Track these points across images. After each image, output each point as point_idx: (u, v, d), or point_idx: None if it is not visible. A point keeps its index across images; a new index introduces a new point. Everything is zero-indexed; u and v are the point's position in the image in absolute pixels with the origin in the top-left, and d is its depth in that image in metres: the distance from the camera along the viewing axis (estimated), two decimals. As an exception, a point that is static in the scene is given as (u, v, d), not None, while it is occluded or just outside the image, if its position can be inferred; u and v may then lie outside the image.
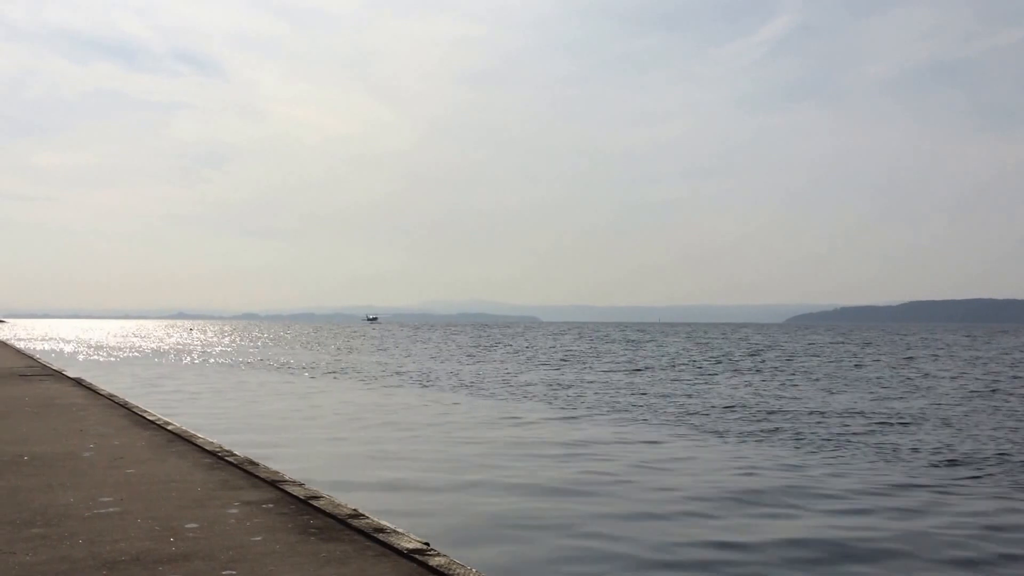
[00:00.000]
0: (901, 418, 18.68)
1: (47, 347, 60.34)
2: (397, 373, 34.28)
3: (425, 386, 27.77)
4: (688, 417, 18.93)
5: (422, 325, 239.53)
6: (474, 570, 5.05)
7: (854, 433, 16.25)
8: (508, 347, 63.58)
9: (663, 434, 16.28)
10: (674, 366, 39.56)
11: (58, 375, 22.26)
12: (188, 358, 48.41)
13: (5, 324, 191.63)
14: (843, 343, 75.12)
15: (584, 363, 42.07)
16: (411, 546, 5.51)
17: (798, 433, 16.24)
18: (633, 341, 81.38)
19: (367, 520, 6.22)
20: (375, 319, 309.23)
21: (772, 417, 18.90)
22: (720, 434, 16.29)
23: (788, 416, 19.02)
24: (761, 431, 16.59)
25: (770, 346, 66.62)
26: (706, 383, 29.04)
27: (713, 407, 20.98)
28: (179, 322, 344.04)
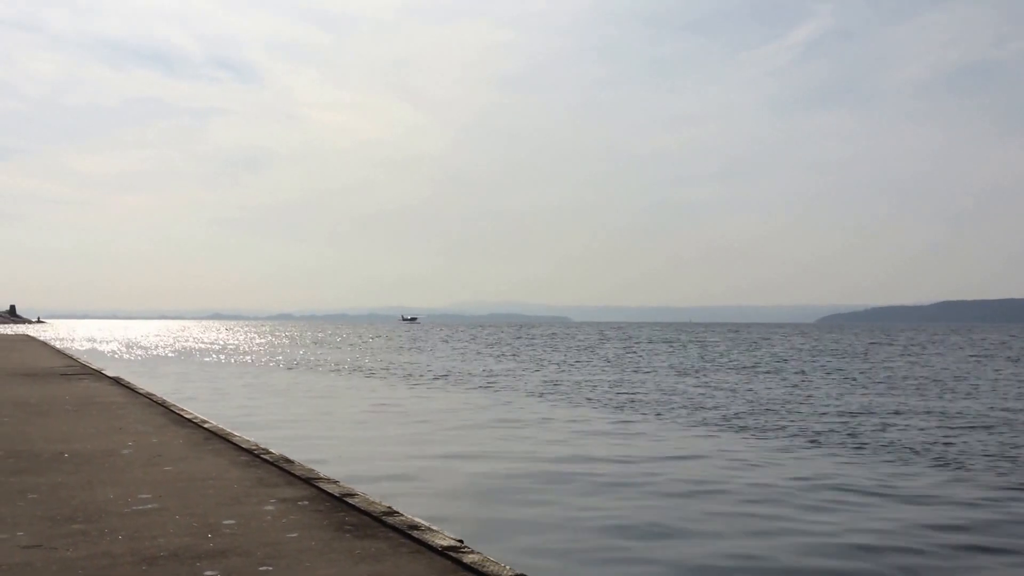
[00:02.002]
0: None
1: (86, 347, 61.37)
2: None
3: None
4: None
5: (461, 326, 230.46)
6: (508, 567, 5.04)
7: None
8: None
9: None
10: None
11: (97, 374, 22.60)
12: (227, 357, 48.95)
13: (45, 325, 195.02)
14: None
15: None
16: (445, 543, 5.51)
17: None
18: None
19: (401, 517, 6.24)
20: (414, 319, 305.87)
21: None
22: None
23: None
24: None
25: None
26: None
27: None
28: (215, 322, 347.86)
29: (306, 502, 6.83)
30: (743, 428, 17.37)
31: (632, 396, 24.33)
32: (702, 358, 46.92)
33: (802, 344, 69.85)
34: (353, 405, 22.35)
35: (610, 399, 23.50)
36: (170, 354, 53.11)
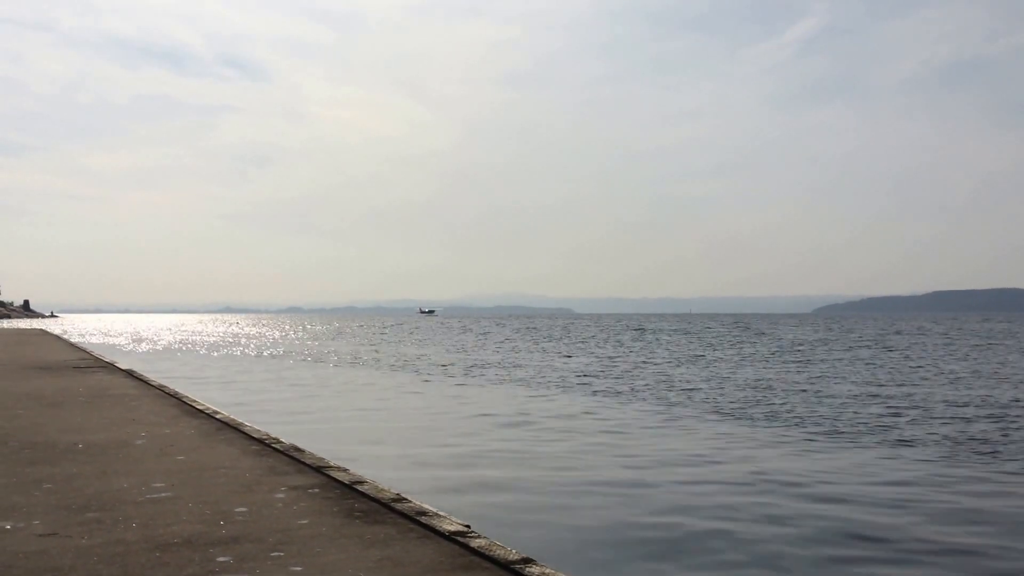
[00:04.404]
0: None
1: (99, 340, 61.74)
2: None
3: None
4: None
5: (478, 317, 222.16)
6: (514, 551, 5.12)
7: None
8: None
9: None
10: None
11: (110, 367, 22.78)
12: (242, 351, 49.16)
13: (59, 319, 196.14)
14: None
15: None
16: (452, 528, 5.60)
17: None
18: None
19: (410, 504, 6.33)
20: (432, 312, 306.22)
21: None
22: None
23: None
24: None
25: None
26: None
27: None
28: (226, 316, 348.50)
29: (316, 489, 6.92)
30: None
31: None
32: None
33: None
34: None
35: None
36: (182, 347, 53.37)
